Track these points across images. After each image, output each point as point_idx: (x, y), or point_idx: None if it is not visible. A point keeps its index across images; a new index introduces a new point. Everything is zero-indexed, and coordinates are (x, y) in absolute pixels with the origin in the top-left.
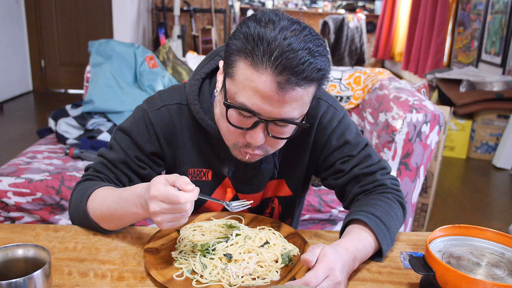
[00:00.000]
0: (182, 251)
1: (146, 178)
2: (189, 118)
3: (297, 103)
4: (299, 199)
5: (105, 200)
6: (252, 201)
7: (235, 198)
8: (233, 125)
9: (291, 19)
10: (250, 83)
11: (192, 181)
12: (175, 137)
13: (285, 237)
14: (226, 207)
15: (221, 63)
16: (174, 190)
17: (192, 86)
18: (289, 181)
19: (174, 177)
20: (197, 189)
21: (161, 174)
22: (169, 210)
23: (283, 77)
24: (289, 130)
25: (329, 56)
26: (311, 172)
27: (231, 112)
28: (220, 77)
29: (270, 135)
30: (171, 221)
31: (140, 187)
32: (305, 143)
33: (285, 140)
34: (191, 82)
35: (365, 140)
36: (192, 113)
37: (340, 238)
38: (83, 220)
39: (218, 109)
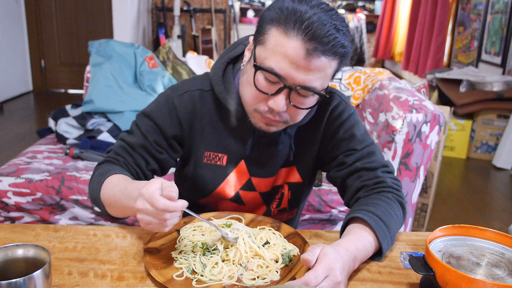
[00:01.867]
0: (182, 251)
1: (163, 162)
2: (210, 104)
3: (320, 73)
4: (306, 190)
5: (113, 188)
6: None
7: (248, 183)
8: (258, 89)
9: (320, 0)
10: (281, 48)
11: (206, 164)
12: (195, 121)
13: (285, 237)
14: (219, 232)
15: (250, 38)
16: (159, 195)
17: (217, 69)
18: (300, 168)
19: (168, 183)
20: (183, 203)
21: (176, 160)
22: (149, 212)
23: (311, 44)
24: (309, 102)
25: (351, 39)
26: (319, 163)
27: (258, 76)
28: (248, 52)
29: (292, 103)
30: (149, 223)
31: (143, 183)
32: (316, 132)
33: (304, 113)
34: (215, 66)
35: (371, 139)
36: (214, 98)
37: (340, 237)
38: (97, 202)
39: (245, 76)
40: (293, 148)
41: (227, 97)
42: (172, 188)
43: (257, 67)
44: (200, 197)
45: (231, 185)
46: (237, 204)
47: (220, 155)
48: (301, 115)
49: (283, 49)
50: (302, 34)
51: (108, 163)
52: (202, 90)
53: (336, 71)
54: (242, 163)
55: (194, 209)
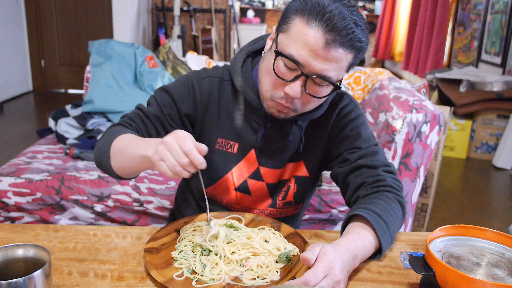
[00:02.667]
0: (182, 251)
1: None
2: (227, 93)
3: (337, 64)
4: (312, 186)
5: (128, 140)
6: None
7: (256, 172)
8: (277, 75)
9: None
10: (302, 36)
11: (218, 150)
12: (211, 106)
13: (285, 237)
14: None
15: (273, 29)
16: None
17: (237, 59)
18: (308, 163)
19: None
20: (203, 161)
21: None
22: (172, 148)
23: (331, 35)
24: (323, 91)
25: (368, 37)
26: (325, 160)
27: (278, 62)
28: (270, 41)
29: (307, 91)
30: (164, 159)
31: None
32: (324, 129)
33: (316, 102)
34: (236, 57)
35: (376, 141)
36: (231, 87)
37: (341, 236)
38: (104, 155)
39: (265, 63)
40: (303, 140)
41: (244, 85)
42: (203, 146)
43: (278, 53)
44: (208, 185)
45: (239, 172)
46: (243, 194)
47: (232, 143)
48: (313, 104)
49: (304, 37)
50: (323, 25)
51: (120, 126)
52: (222, 78)
53: (351, 65)
54: (252, 152)
55: (196, 203)
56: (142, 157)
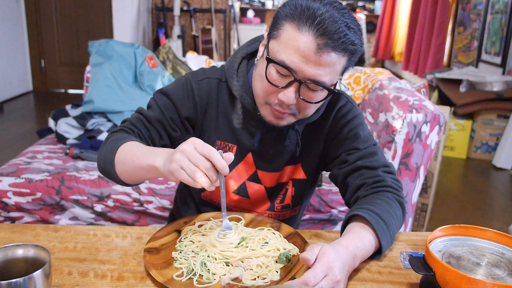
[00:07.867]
0: (182, 251)
1: (175, 141)
2: (225, 94)
3: (330, 68)
4: (310, 188)
5: (134, 148)
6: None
7: (254, 175)
8: (269, 82)
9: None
10: (293, 42)
11: None
12: (210, 108)
13: (285, 237)
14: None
15: (265, 34)
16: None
17: (232, 62)
18: (305, 165)
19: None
20: (226, 163)
21: None
22: (191, 155)
23: (322, 40)
24: (318, 96)
25: (362, 38)
26: (323, 162)
27: (270, 69)
28: (262, 47)
29: (301, 97)
30: (182, 167)
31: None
32: (322, 130)
33: (313, 107)
34: (231, 60)
35: (375, 141)
36: (228, 89)
37: (340, 236)
38: (108, 162)
39: (257, 70)
40: (299, 144)
41: (240, 89)
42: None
43: (269, 60)
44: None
45: (238, 175)
46: (241, 197)
47: (230, 145)
48: (310, 109)
49: (295, 43)
50: (314, 30)
51: (122, 132)
52: (220, 80)
53: (346, 68)
54: (250, 155)
55: (196, 206)
56: (149, 166)
